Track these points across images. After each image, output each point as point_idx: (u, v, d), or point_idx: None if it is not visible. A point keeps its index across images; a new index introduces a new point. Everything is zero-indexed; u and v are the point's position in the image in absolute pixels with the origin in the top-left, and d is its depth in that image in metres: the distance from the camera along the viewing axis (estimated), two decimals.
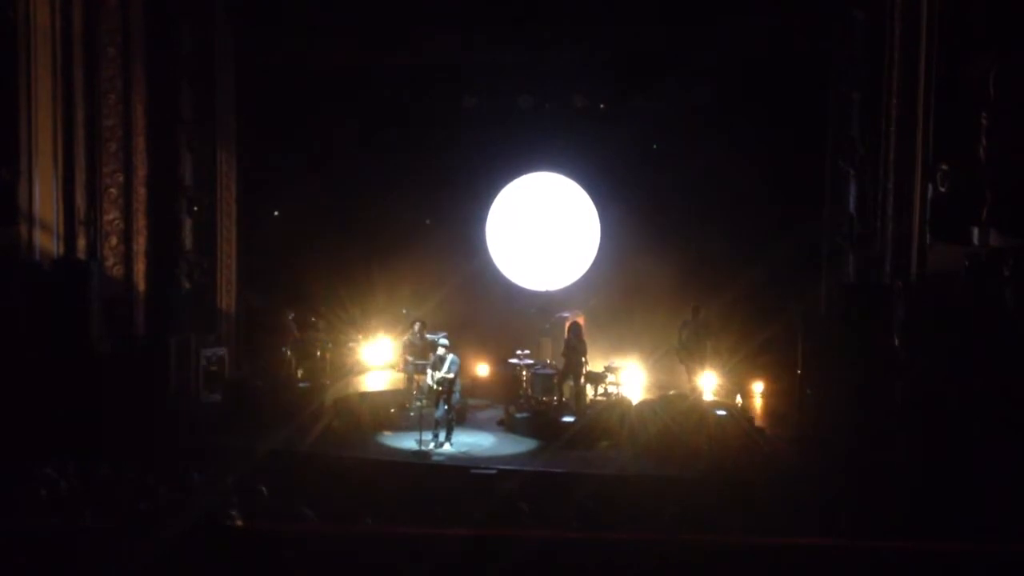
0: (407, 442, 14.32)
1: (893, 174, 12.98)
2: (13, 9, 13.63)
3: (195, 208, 15.71)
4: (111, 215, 14.73)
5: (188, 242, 15.73)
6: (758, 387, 16.59)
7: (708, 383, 15.88)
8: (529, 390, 16.08)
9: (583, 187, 18.70)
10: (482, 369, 17.78)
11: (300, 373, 17.12)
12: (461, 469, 13.35)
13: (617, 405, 15.19)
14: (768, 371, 16.35)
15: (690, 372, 16.05)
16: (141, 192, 14.99)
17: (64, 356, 13.41)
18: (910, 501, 10.40)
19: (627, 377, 16.20)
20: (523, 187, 18.90)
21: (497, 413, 16.06)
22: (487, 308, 18.44)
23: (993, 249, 11.39)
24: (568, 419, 15.02)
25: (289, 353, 16.98)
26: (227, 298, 16.37)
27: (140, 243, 14.97)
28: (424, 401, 15.33)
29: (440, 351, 14.41)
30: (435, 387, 14.30)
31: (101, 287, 14.30)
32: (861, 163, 14.20)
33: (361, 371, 18.03)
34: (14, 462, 10.12)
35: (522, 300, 18.82)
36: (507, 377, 16.87)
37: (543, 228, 18.74)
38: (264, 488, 9.27)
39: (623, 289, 18.08)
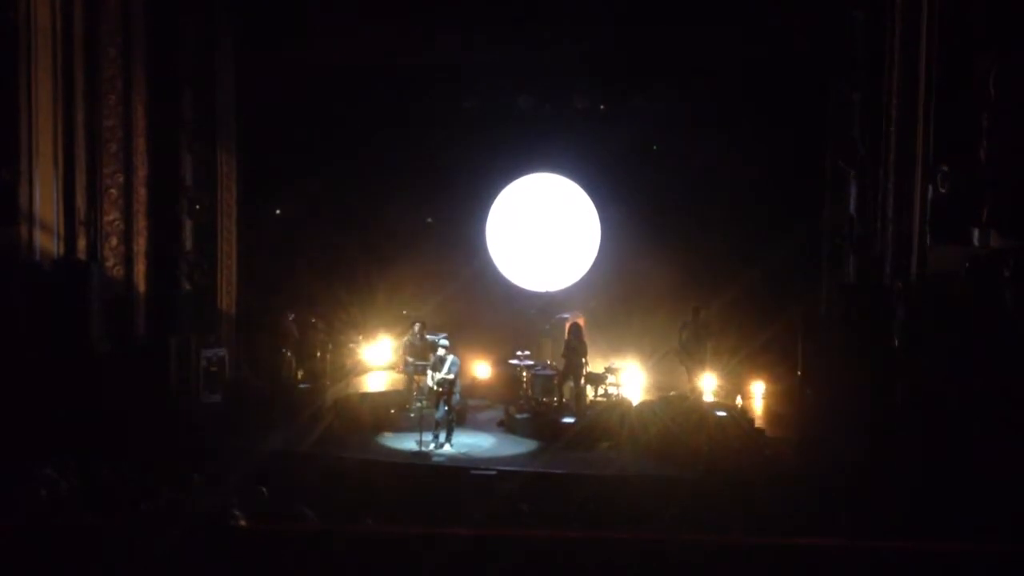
0: (407, 443, 14.33)
1: (893, 174, 12.97)
2: (13, 9, 13.61)
3: (196, 207, 15.71)
4: (111, 216, 14.72)
5: (188, 243, 15.74)
6: (758, 388, 16.59)
7: (708, 384, 15.90)
8: (529, 391, 16.08)
9: (583, 188, 18.70)
10: (482, 370, 17.77)
11: (300, 374, 17.14)
12: (461, 470, 13.36)
13: (617, 406, 15.19)
14: (768, 372, 16.36)
15: (690, 373, 16.05)
16: (141, 193, 14.98)
17: (64, 356, 13.39)
18: (910, 501, 10.39)
19: (627, 378, 16.21)
20: (523, 188, 18.89)
21: (497, 414, 16.06)
22: (487, 309, 18.44)
23: (993, 250, 11.39)
24: (568, 420, 15.03)
25: (289, 354, 16.98)
26: (227, 299, 16.38)
27: (140, 244, 14.96)
28: (424, 402, 15.33)
29: (440, 352, 14.42)
30: (435, 388, 14.31)
31: (101, 288, 14.29)
32: (861, 163, 14.20)
33: (361, 372, 18.05)
34: (14, 462, 10.11)
35: (522, 301, 18.81)
36: (507, 378, 16.89)
37: (543, 229, 18.74)
38: (264, 488, 9.28)
39: (623, 290, 18.08)
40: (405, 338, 16.92)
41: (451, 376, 14.22)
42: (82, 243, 14.44)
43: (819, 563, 6.20)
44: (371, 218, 18.60)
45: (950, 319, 11.61)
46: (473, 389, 17.03)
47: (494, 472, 13.15)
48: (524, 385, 16.21)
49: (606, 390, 16.19)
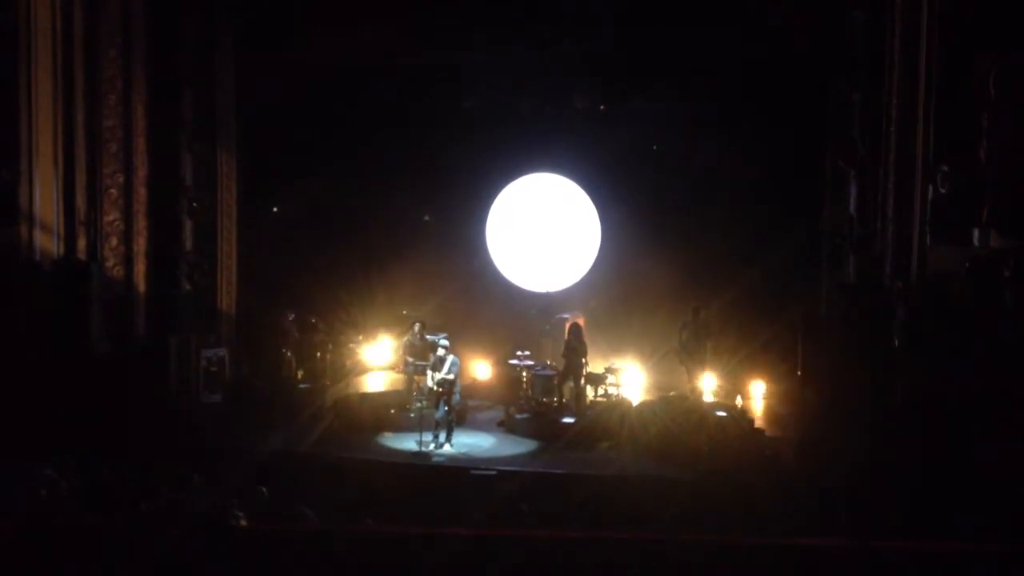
0: (407, 443, 14.33)
1: (893, 175, 12.97)
2: (13, 9, 13.61)
3: (196, 207, 15.70)
4: (111, 216, 14.72)
5: (188, 243, 15.72)
6: (758, 388, 16.59)
7: (708, 384, 15.90)
8: (529, 391, 16.08)
9: (583, 188, 18.70)
10: (482, 370, 17.78)
11: (300, 374, 17.14)
12: (461, 470, 13.36)
13: (617, 406, 15.20)
14: (768, 372, 16.36)
15: (690, 373, 16.05)
16: (141, 193, 14.97)
17: (64, 356, 13.39)
18: (910, 501, 10.38)
19: (627, 378, 16.21)
20: (523, 188, 18.90)
21: (497, 414, 16.06)
22: (487, 309, 18.44)
23: (993, 250, 11.38)
24: (568, 420, 15.03)
25: (289, 354, 16.98)
26: (227, 299, 16.36)
27: (140, 244, 14.95)
28: (424, 402, 15.33)
29: (440, 352, 14.42)
30: (435, 388, 14.31)
31: (101, 288, 14.29)
32: (861, 163, 14.20)
33: (361, 372, 18.06)
34: (14, 462, 10.10)
35: (522, 301, 18.82)
36: (507, 378, 16.89)
37: (543, 229, 18.74)
38: (264, 488, 9.28)
39: (623, 290, 18.08)
40: (405, 338, 16.92)
41: (451, 376, 14.22)
42: (82, 243, 14.43)
43: (819, 563, 6.20)
44: (371, 218, 18.60)
45: (950, 319, 11.61)
46: (473, 389, 17.04)
47: (494, 472, 13.15)
48: (524, 385, 16.21)
49: (606, 390, 16.19)
